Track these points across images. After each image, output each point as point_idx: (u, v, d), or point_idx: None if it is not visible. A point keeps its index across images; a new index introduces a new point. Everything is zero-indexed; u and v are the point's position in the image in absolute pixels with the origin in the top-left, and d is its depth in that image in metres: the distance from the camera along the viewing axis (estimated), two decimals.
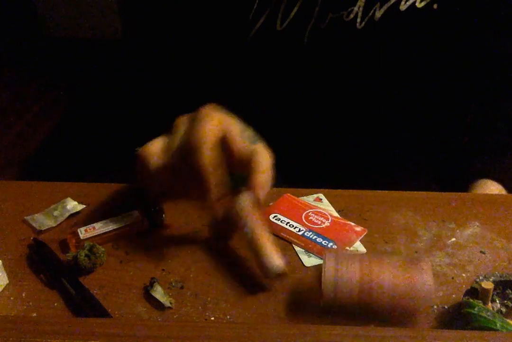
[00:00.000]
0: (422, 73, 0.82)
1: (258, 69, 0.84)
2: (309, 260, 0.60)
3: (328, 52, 0.79)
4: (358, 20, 0.75)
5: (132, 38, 0.94)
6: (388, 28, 0.76)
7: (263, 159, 0.59)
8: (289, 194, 0.70)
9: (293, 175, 0.86)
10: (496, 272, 0.54)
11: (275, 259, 0.56)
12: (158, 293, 0.55)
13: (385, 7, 0.74)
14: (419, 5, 0.74)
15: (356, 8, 0.75)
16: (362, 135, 0.86)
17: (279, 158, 0.80)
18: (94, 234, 0.62)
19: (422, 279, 0.51)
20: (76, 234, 0.62)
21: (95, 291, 0.57)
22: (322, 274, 0.53)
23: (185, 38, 0.85)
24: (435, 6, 0.74)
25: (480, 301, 0.51)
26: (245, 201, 0.57)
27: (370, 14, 0.75)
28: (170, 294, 0.56)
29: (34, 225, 0.66)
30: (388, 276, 0.51)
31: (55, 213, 0.67)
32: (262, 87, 0.86)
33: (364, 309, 0.52)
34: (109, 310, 0.54)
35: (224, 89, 0.87)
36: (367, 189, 0.71)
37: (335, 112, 0.84)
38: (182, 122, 0.60)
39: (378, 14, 0.75)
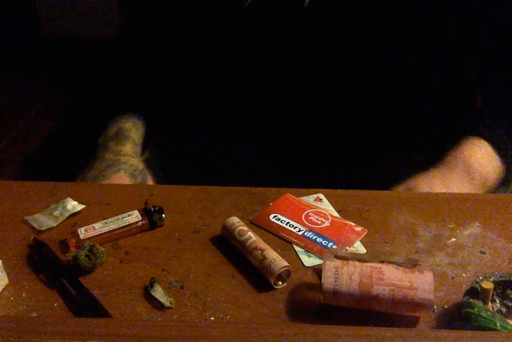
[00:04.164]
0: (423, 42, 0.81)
1: (258, 36, 0.83)
2: (309, 260, 0.60)
3: (329, 17, 0.79)
4: None
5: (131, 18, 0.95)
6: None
7: None
8: (289, 194, 0.70)
9: (293, 170, 0.86)
10: (496, 272, 0.54)
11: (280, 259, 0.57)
12: (158, 293, 0.55)
13: None
14: None
15: None
16: (360, 117, 0.86)
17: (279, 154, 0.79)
18: (94, 234, 0.62)
19: (423, 283, 0.51)
20: (76, 234, 0.62)
21: (95, 291, 0.57)
22: (322, 274, 0.53)
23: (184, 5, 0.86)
24: None
25: (480, 301, 0.51)
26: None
27: None
28: (170, 294, 0.56)
29: (34, 225, 0.66)
30: (389, 276, 0.51)
31: (55, 213, 0.67)
32: (260, 59, 0.85)
33: (364, 309, 0.53)
34: (109, 310, 0.54)
35: (222, 72, 0.87)
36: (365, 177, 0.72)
37: (337, 91, 0.84)
38: None
39: None
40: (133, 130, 0.86)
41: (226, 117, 0.92)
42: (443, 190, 0.72)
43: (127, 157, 0.81)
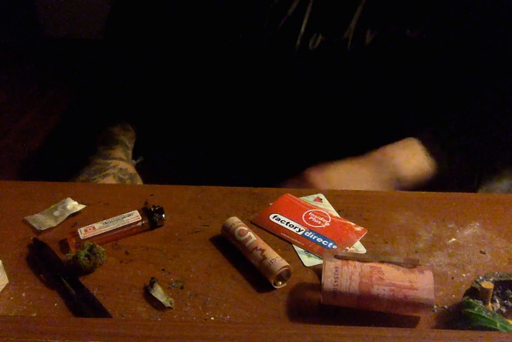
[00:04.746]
0: (404, 97, 0.83)
1: (245, 84, 0.85)
2: (309, 260, 0.60)
3: (316, 71, 0.81)
4: (349, 43, 0.77)
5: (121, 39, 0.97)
6: (377, 52, 0.78)
7: None
8: (289, 194, 0.70)
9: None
10: (496, 272, 0.54)
11: (280, 259, 0.57)
12: (158, 293, 0.55)
13: (375, 32, 0.76)
14: (408, 33, 0.76)
15: (347, 32, 0.77)
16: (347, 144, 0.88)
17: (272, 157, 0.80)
18: (94, 234, 0.62)
19: (423, 283, 0.51)
20: (76, 234, 0.62)
21: (95, 291, 0.57)
22: (322, 274, 0.53)
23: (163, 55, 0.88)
24: (424, 35, 0.76)
25: (480, 301, 0.51)
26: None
27: (361, 38, 0.77)
28: (170, 294, 0.56)
29: (34, 225, 0.66)
30: (389, 276, 0.52)
31: (55, 213, 0.67)
32: (249, 102, 0.87)
33: (364, 309, 0.53)
34: (109, 310, 0.54)
35: (212, 103, 0.89)
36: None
37: (320, 127, 0.86)
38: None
39: (369, 38, 0.76)
40: (122, 134, 0.86)
41: (224, 120, 0.93)
42: (337, 177, 0.75)
43: (116, 161, 0.81)
